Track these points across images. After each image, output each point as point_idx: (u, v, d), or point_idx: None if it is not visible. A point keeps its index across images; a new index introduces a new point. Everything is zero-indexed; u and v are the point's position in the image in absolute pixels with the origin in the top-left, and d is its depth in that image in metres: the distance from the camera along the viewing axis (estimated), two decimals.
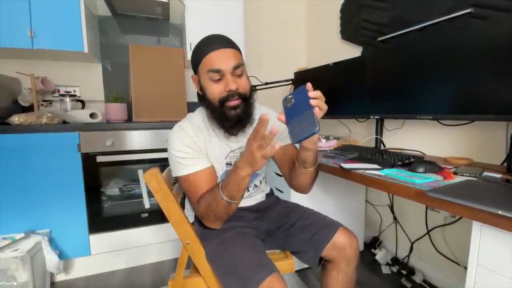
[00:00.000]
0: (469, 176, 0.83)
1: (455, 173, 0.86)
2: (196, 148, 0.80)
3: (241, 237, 0.81)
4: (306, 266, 1.56)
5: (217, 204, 0.73)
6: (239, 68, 0.76)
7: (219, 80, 0.75)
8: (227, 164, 0.86)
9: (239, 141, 0.87)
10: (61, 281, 1.51)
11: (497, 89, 0.95)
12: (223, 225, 0.84)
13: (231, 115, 0.77)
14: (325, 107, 0.64)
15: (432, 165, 0.90)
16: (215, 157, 0.84)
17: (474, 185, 0.74)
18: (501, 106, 0.94)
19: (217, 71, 0.74)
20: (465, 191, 0.68)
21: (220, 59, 0.74)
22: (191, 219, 0.96)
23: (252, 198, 0.97)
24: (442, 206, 0.66)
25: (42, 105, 1.77)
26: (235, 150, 0.87)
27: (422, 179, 0.79)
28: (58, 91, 1.82)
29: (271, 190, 1.09)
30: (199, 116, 0.86)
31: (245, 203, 0.95)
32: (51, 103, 1.81)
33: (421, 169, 0.88)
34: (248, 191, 0.94)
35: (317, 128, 0.59)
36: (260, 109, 0.94)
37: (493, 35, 0.94)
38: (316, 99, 0.63)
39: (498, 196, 0.66)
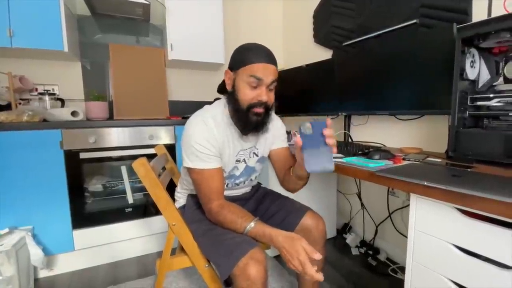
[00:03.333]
0: (414, 161, 0.99)
1: (403, 159, 1.02)
2: (216, 145, 0.86)
3: None
4: None
5: (235, 227, 0.82)
6: (273, 84, 0.86)
7: (255, 87, 0.83)
8: (236, 160, 0.95)
9: (249, 142, 0.97)
10: (45, 277, 1.53)
11: (441, 87, 1.12)
12: None
13: (253, 120, 0.85)
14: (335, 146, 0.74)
15: (386, 153, 1.05)
16: (228, 153, 0.91)
17: (415, 167, 0.89)
18: (445, 101, 1.11)
19: (258, 79, 0.82)
20: (406, 171, 0.82)
21: (264, 71, 0.82)
22: (183, 201, 1.05)
23: (240, 189, 1.07)
24: (388, 183, 0.80)
25: (20, 103, 1.75)
26: (246, 149, 0.97)
27: (375, 164, 0.93)
28: (36, 89, 1.82)
29: (258, 182, 1.19)
30: (219, 110, 0.91)
31: (233, 192, 1.05)
32: (29, 102, 1.80)
33: (376, 156, 1.03)
34: (245, 183, 1.03)
35: (333, 168, 0.71)
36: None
37: (435, 42, 1.11)
38: (331, 137, 0.72)
39: (431, 174, 0.82)
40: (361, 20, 1.65)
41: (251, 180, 1.06)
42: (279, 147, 1.05)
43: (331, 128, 0.73)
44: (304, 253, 0.68)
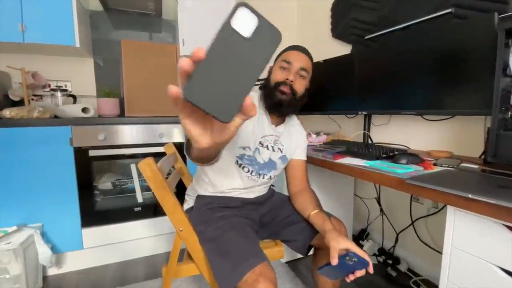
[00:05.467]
0: (448, 166, 0.88)
1: (434, 164, 0.92)
2: None
3: (237, 226, 0.85)
4: (296, 257, 1.61)
5: None
6: (304, 72, 0.91)
7: (285, 69, 0.90)
8: (260, 143, 0.94)
9: (275, 131, 0.97)
10: (53, 275, 1.52)
11: (476, 85, 1.00)
12: (220, 213, 0.88)
13: (277, 98, 0.89)
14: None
15: (413, 157, 0.95)
16: (254, 133, 0.91)
17: (450, 174, 0.79)
18: (480, 101, 1.00)
19: (288, 62, 0.89)
20: (441, 179, 0.73)
21: (295, 56, 0.90)
22: (191, 203, 1.00)
23: (253, 191, 1.00)
24: (420, 193, 0.71)
25: (32, 99, 1.75)
26: (272, 135, 0.96)
27: (404, 169, 0.83)
28: (49, 85, 1.81)
29: (271, 184, 1.13)
30: (257, 94, 0.97)
31: (246, 195, 0.99)
32: (41, 98, 1.80)
33: (403, 161, 0.93)
34: (264, 178, 0.98)
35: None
36: (298, 122, 1.08)
37: (471, 35, 0.99)
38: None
39: (471, 183, 0.72)
40: (384, 12, 1.54)
41: (270, 177, 1.00)
42: (297, 158, 1.03)
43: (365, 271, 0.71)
44: None
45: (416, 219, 1.42)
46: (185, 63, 0.27)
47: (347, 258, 0.70)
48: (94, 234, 1.56)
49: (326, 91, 1.68)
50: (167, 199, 0.81)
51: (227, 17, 0.28)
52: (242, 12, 0.28)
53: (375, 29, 1.59)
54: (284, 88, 0.89)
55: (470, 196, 0.59)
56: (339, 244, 0.72)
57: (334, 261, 0.69)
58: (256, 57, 0.29)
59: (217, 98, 0.28)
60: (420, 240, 1.42)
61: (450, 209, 0.67)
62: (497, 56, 0.84)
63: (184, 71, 0.27)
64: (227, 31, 0.28)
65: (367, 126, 1.55)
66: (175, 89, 0.28)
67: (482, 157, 1.09)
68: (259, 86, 0.98)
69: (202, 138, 0.33)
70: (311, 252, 1.01)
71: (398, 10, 1.44)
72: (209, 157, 0.52)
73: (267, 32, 0.29)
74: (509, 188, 0.63)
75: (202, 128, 0.33)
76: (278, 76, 0.90)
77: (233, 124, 0.32)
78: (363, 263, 0.70)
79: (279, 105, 0.90)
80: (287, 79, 0.88)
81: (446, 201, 0.65)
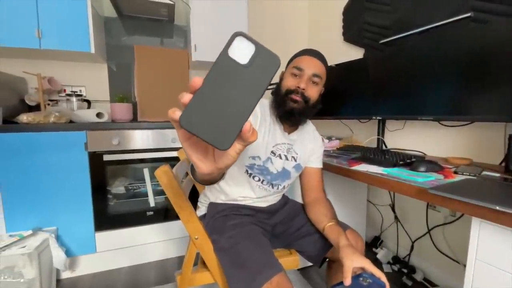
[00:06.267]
0: (469, 175, 0.86)
1: (455, 172, 0.89)
2: (253, 122, 0.84)
3: (252, 235, 0.84)
4: (308, 264, 1.59)
5: None
6: (317, 78, 0.86)
7: (296, 76, 0.86)
8: (271, 152, 0.91)
9: (288, 139, 0.94)
10: (67, 278, 1.53)
11: (496, 91, 0.98)
12: (233, 221, 0.87)
13: (288, 106, 0.86)
14: None
15: (433, 165, 0.92)
16: (265, 142, 0.89)
17: (474, 183, 0.76)
18: (500, 107, 0.97)
19: (300, 69, 0.85)
20: (465, 189, 0.70)
21: (307, 62, 0.86)
22: (204, 210, 0.99)
23: (266, 200, 0.99)
24: (443, 203, 0.69)
25: (48, 104, 1.79)
26: (285, 143, 0.93)
27: (424, 178, 0.81)
28: (65, 90, 1.85)
29: (284, 194, 1.11)
30: (267, 101, 0.95)
31: (258, 203, 0.97)
32: (57, 103, 1.83)
33: (422, 168, 0.91)
34: (278, 188, 0.96)
35: None
36: (313, 128, 1.05)
37: (492, 39, 0.96)
38: None
39: (496, 193, 0.69)
40: (398, 15, 1.51)
41: (284, 187, 0.99)
42: (313, 167, 1.01)
43: None
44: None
45: (433, 227, 1.38)
46: (185, 98, 0.28)
47: (361, 279, 0.67)
48: (107, 238, 1.57)
49: (338, 95, 1.66)
50: (183, 208, 0.80)
51: (224, 47, 0.29)
52: (239, 41, 0.29)
53: (389, 33, 1.57)
54: (296, 97, 0.85)
55: (497, 208, 0.56)
56: (353, 262, 0.69)
57: (347, 281, 0.66)
58: (255, 83, 0.29)
59: (214, 125, 0.28)
60: (437, 249, 1.38)
61: (475, 221, 0.65)
62: None
63: (183, 104, 0.28)
64: (224, 60, 0.28)
65: (381, 131, 1.52)
66: (174, 114, 0.29)
67: (503, 164, 1.05)
68: (271, 91, 0.95)
69: (203, 164, 0.33)
70: (326, 264, 0.99)
71: (413, 14, 1.42)
72: (212, 180, 0.51)
73: (265, 58, 0.29)
74: None
75: (203, 153, 0.33)
76: (289, 83, 0.87)
77: (233, 150, 0.32)
78: (380, 285, 0.66)
79: (290, 113, 0.87)
80: (298, 87, 0.85)
81: (472, 213, 0.63)
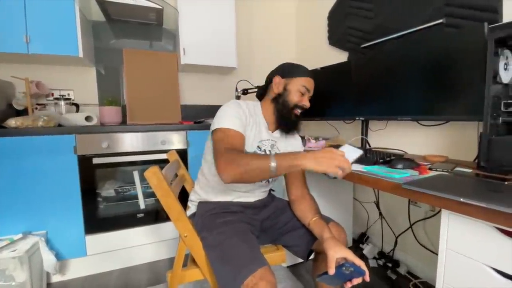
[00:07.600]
0: (442, 171, 0.92)
1: (430, 169, 0.95)
2: (243, 120, 0.94)
3: (239, 232, 0.88)
4: (298, 261, 1.63)
5: (259, 162, 0.74)
6: (311, 95, 1.05)
7: (302, 94, 1.01)
8: (257, 147, 1.00)
9: (272, 136, 1.04)
10: (57, 282, 1.53)
11: (466, 92, 1.05)
12: (222, 219, 0.91)
13: (292, 117, 1.01)
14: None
15: (409, 162, 0.98)
16: (252, 136, 0.98)
17: (445, 179, 0.82)
18: (471, 107, 1.04)
19: (308, 90, 1.01)
20: (436, 184, 0.76)
21: (311, 84, 1.03)
22: (194, 209, 1.03)
23: (253, 194, 1.04)
24: (415, 197, 0.74)
25: (36, 108, 1.78)
26: (269, 139, 1.03)
27: (400, 174, 0.87)
28: (52, 94, 1.85)
29: (271, 189, 1.17)
30: (253, 103, 1.05)
31: (245, 198, 1.02)
32: (45, 107, 1.83)
33: (399, 166, 0.97)
34: (263, 182, 1.02)
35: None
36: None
37: (463, 44, 1.03)
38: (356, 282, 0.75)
39: (464, 187, 0.75)
40: (379, 20, 1.59)
41: (268, 181, 1.05)
42: None
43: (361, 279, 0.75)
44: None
45: (414, 222, 1.44)
46: None
47: (344, 268, 0.73)
48: (97, 241, 1.57)
49: (324, 97, 1.72)
50: (172, 207, 0.83)
51: None
52: None
53: (370, 37, 1.64)
54: (299, 111, 1.01)
55: (461, 200, 0.62)
56: (336, 253, 0.74)
57: (331, 271, 0.72)
58: None
59: None
60: (419, 243, 1.44)
61: (444, 213, 0.70)
62: (487, 64, 0.88)
63: None
64: None
65: (364, 131, 1.59)
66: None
67: (476, 161, 1.12)
68: (271, 99, 1.03)
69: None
70: (312, 256, 1.03)
71: (392, 19, 1.49)
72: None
73: None
74: (500, 192, 0.66)
75: None
76: (297, 99, 1.00)
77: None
78: (359, 272, 0.73)
79: (290, 123, 1.01)
80: (304, 105, 1.01)
81: (440, 205, 0.68)
